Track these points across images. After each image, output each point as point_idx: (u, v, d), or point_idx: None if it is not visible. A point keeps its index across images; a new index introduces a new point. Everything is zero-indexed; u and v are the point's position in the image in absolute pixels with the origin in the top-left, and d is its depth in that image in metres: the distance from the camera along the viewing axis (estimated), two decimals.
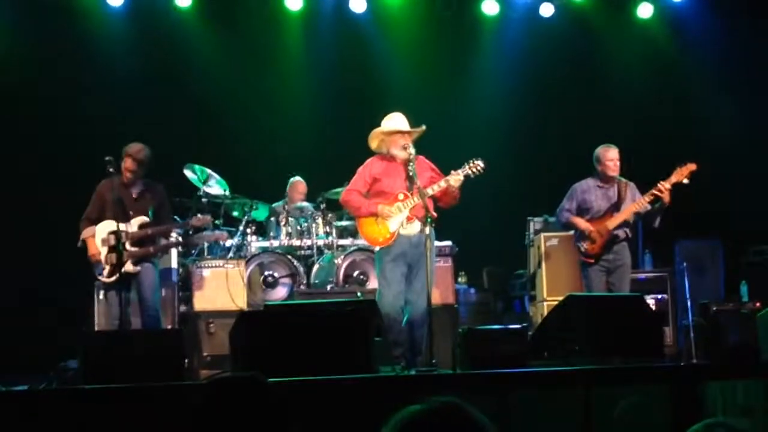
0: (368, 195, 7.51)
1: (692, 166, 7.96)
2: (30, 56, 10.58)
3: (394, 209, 7.31)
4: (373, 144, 7.57)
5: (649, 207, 8.11)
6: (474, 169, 7.30)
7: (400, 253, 7.29)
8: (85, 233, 7.76)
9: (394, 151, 7.41)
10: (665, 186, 7.89)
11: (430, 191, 7.26)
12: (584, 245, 8.14)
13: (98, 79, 10.65)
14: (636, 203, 8.12)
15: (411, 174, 7.27)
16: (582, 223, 8.19)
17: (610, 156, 8.20)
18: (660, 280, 9.50)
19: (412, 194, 7.30)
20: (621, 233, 8.13)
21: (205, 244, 9.27)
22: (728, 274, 10.01)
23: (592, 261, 8.13)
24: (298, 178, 10.30)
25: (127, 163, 7.79)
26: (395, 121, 7.49)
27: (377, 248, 7.54)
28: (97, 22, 10.83)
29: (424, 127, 7.48)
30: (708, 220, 10.19)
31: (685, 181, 7.94)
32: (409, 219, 7.30)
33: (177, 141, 9.99)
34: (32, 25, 10.54)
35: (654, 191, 7.97)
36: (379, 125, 7.56)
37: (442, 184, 7.28)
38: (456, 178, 7.26)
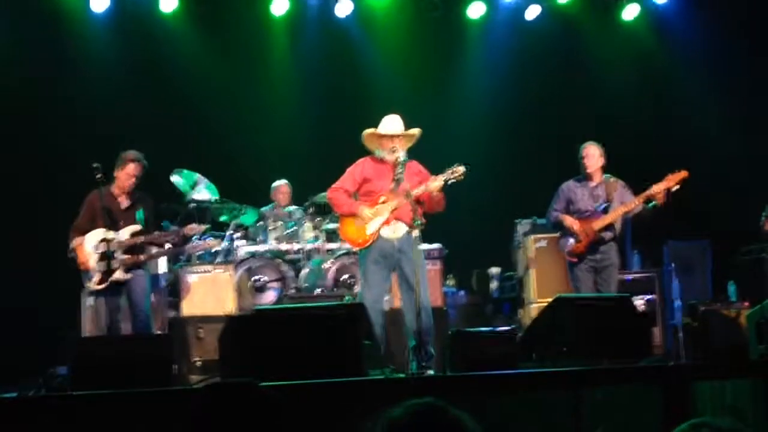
0: (357, 195, 7.50)
1: (684, 174, 7.97)
2: (12, 61, 10.48)
3: (375, 212, 7.30)
4: (367, 144, 7.55)
5: (640, 208, 8.10)
6: (454, 175, 7.24)
7: (380, 255, 7.26)
8: (75, 242, 7.72)
9: (383, 154, 7.41)
10: (660, 188, 7.91)
11: None
12: (569, 244, 8.16)
13: (82, 85, 10.57)
14: (626, 205, 8.09)
15: (398, 177, 7.26)
16: (568, 219, 8.18)
17: (583, 153, 8.26)
18: (648, 280, 9.51)
19: (394, 197, 7.28)
20: (607, 234, 8.12)
21: (196, 253, 9.23)
22: (716, 275, 10.03)
23: (576, 260, 8.13)
24: (281, 181, 10.31)
25: (130, 169, 7.76)
26: (386, 124, 7.44)
27: (357, 249, 7.54)
28: (80, 27, 10.72)
29: (413, 131, 7.45)
30: (696, 220, 10.21)
31: (675, 187, 7.96)
32: (387, 222, 7.28)
33: (164, 146, 9.87)
34: (14, 31, 10.45)
35: (648, 194, 7.97)
36: (366, 127, 7.53)
37: (422, 188, 7.24)
38: (435, 184, 7.19)
